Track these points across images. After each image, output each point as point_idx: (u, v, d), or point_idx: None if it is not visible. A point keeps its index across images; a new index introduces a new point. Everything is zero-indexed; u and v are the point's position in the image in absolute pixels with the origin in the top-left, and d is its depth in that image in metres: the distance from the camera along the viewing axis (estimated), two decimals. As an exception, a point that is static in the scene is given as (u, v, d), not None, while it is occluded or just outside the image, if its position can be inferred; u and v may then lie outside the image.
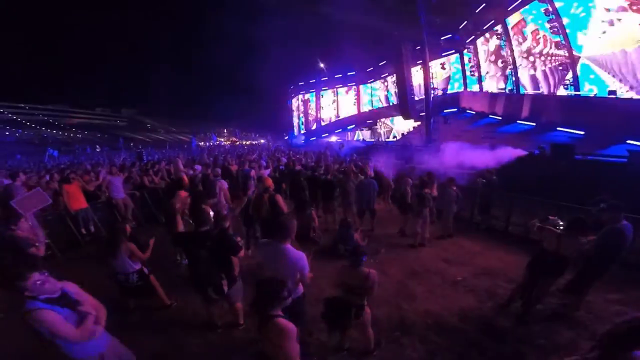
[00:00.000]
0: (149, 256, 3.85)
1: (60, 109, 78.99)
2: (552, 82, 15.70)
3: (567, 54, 14.31)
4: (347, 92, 37.06)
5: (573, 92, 14.26)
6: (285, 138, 42.68)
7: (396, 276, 4.92)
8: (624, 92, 12.16)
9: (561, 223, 3.56)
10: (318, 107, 40.14)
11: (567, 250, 3.39)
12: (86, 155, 36.66)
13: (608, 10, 12.08)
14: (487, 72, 21.06)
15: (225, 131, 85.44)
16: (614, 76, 12.56)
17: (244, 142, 59.64)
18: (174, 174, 8.81)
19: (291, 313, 3.04)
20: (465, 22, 20.76)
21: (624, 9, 11.48)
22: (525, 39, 16.99)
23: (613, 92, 12.16)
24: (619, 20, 11.76)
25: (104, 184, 7.32)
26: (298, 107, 44.22)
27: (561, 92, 15.06)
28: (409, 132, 24.39)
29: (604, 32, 12.54)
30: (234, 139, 74.93)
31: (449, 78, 25.19)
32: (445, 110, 22.86)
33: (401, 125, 26.39)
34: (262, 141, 58.16)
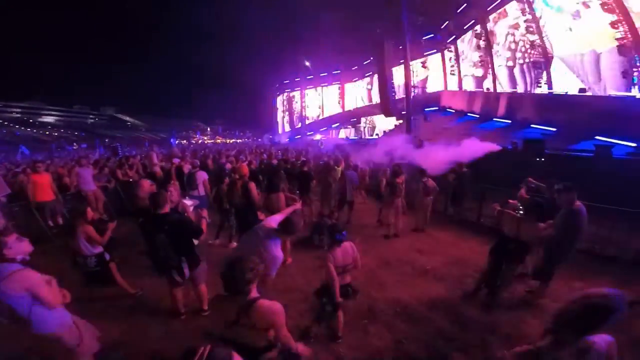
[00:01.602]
0: (110, 244, 3.78)
1: (35, 106, 75.86)
2: (528, 81, 16.22)
3: (542, 53, 14.80)
4: (331, 90, 37.18)
5: (547, 90, 14.76)
6: (270, 136, 42.40)
7: (368, 266, 4.93)
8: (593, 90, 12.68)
9: (521, 207, 3.64)
10: (303, 106, 40.09)
11: (527, 236, 3.47)
12: (61, 153, 35.34)
13: (579, 10, 12.55)
14: (467, 71, 21.54)
15: (208, 129, 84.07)
16: (577, 76, 13.10)
17: (228, 140, 58.88)
18: (149, 167, 8.65)
19: None
20: (447, 22, 21.16)
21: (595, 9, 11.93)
22: (503, 39, 17.47)
23: (583, 90, 12.66)
24: (593, 19, 12.22)
25: (72, 175, 7.10)
26: (283, 105, 44.04)
27: (535, 90, 15.57)
28: (390, 130, 24.66)
29: (570, 30, 13.05)
30: (218, 137, 73.93)
31: (429, 77, 25.63)
32: (426, 109, 23.22)
33: (383, 124, 26.67)
34: (247, 139, 57.58)
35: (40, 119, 75.11)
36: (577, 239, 3.57)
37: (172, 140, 40.29)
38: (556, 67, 14.36)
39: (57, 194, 6.74)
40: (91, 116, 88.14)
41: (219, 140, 63.62)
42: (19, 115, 72.08)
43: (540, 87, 15.08)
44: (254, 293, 1.91)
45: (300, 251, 5.29)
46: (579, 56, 12.93)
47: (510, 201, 3.81)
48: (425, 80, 25.78)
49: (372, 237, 6.30)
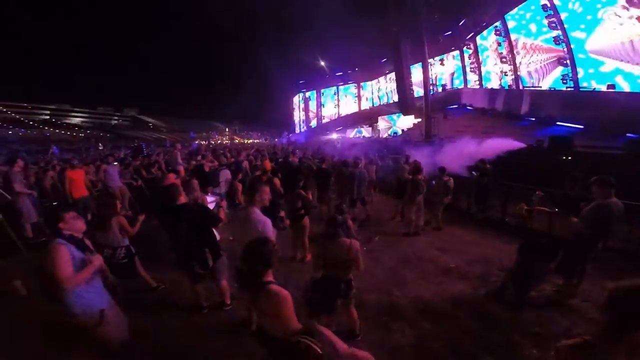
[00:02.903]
0: (138, 238, 3.88)
1: (62, 108, 79.39)
2: (550, 78, 15.65)
3: (565, 49, 14.25)
4: (348, 89, 37.08)
5: (572, 87, 14.20)
6: (288, 135, 42.69)
7: (388, 263, 4.90)
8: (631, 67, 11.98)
9: (540, 194, 3.57)
10: (319, 105, 40.21)
11: (559, 230, 3.34)
12: (89, 153, 36.78)
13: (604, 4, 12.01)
14: (489, 68, 20.98)
15: (226, 130, 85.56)
16: (621, 60, 12.41)
17: (245, 141, 59.72)
18: (172, 165, 8.88)
19: None
20: (465, 19, 20.71)
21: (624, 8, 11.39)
22: (522, 34, 16.94)
23: (612, 86, 12.10)
24: (619, 14, 11.67)
25: (100, 172, 7.39)
26: (299, 105, 44.30)
27: (560, 86, 14.99)
28: (409, 129, 24.36)
29: (602, 26, 12.47)
30: (235, 137, 75.09)
31: (451, 74, 25.15)
32: (446, 107, 22.81)
33: (402, 122, 26.34)
34: (264, 139, 58.22)
35: (67, 121, 78.51)
36: (601, 235, 3.40)
37: (193, 141, 41.18)
38: (583, 63, 13.78)
39: (91, 190, 7.03)
40: (115, 117, 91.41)
41: (236, 140, 64.58)
42: (47, 117, 75.62)
43: (566, 82, 14.50)
44: (269, 277, 1.88)
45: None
46: (619, 44, 12.25)
47: (538, 192, 3.71)
48: (448, 77, 25.28)
49: (392, 234, 6.22)
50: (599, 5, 12.49)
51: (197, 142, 45.17)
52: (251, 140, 60.38)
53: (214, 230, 3.51)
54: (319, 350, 0.90)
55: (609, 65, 12.85)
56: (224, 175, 6.46)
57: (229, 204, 5.86)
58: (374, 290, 3.99)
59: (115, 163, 8.12)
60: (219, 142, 60.60)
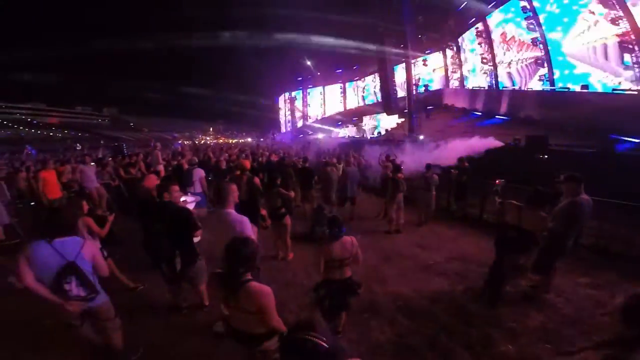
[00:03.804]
0: (112, 240, 3.80)
1: (38, 107, 76.35)
2: (527, 78, 16.14)
3: (542, 50, 14.73)
4: (333, 89, 37.22)
5: (548, 87, 14.69)
6: (272, 136, 42.47)
7: (369, 261, 4.89)
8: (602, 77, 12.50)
9: (499, 183, 3.87)
10: (305, 105, 40.19)
11: (529, 224, 3.41)
12: (65, 153, 35.56)
13: (582, 4, 12.44)
14: (471, 68, 21.46)
15: (211, 129, 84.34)
16: (595, 67, 12.90)
17: (230, 140, 58.93)
18: (153, 165, 8.69)
19: None
20: (448, 20, 21.12)
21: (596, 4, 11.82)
22: (502, 35, 17.38)
23: (585, 87, 12.58)
24: (592, 13, 12.11)
25: (76, 173, 7.16)
26: (285, 105, 44.15)
27: (537, 87, 15.47)
28: (392, 128, 24.66)
29: (577, 26, 12.94)
30: (220, 137, 74.10)
31: (435, 75, 25.58)
32: (429, 107, 23.19)
33: (386, 122, 26.64)
34: (249, 139, 57.67)
35: (44, 120, 75.60)
36: (573, 232, 3.50)
37: (175, 141, 40.40)
38: (559, 64, 14.27)
39: (64, 192, 6.80)
40: (94, 117, 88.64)
41: (221, 140, 63.71)
42: (23, 116, 72.59)
43: (543, 83, 14.99)
44: (248, 276, 1.88)
45: (301, 246, 5.28)
46: (592, 49, 12.74)
47: (497, 182, 3.92)
48: (429, 78, 25.67)
49: (374, 232, 6.30)
50: (575, 7, 12.94)
51: (179, 141, 44.33)
52: (236, 140, 59.68)
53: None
54: (326, 345, 0.90)
55: (581, 68, 13.38)
56: (197, 174, 6.36)
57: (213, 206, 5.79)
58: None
59: (92, 163, 7.87)
60: (202, 141, 59.68)
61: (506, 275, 3.65)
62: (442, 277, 4.41)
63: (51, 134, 70.90)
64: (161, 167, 8.56)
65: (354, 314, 3.46)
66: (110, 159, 11.68)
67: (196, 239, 3.52)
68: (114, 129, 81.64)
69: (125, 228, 5.25)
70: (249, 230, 2.77)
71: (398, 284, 4.22)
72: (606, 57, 12.23)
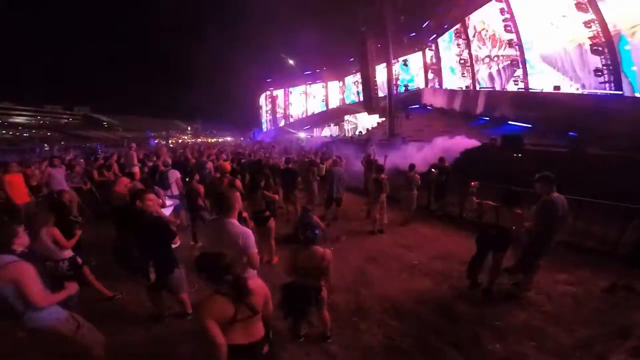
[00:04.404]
0: (93, 245, 3.59)
1: (4, 106, 71.85)
2: (504, 79, 16.68)
3: (518, 52, 15.25)
4: (315, 88, 37.19)
5: (523, 88, 15.23)
6: (251, 134, 41.95)
7: (355, 262, 4.94)
8: (567, 88, 13.16)
9: (475, 185, 4.00)
10: (286, 104, 39.94)
11: (506, 222, 3.58)
12: (34, 154, 33.65)
13: (557, 7, 12.94)
14: (449, 69, 21.96)
15: (189, 129, 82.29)
16: (557, 70, 13.56)
17: (209, 140, 57.72)
18: (127, 167, 8.34)
19: None
20: (428, 21, 21.51)
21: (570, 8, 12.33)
22: (481, 37, 17.87)
23: (557, 88, 13.13)
24: (564, 17, 12.63)
25: (44, 176, 6.72)
26: (266, 103, 43.71)
27: (512, 88, 16.01)
28: (373, 128, 24.88)
29: (552, 29, 13.47)
30: (199, 136, 72.45)
31: (415, 75, 26.01)
32: (408, 107, 23.55)
33: (366, 121, 26.87)
34: (229, 138, 56.68)
35: (10, 120, 71.31)
36: (553, 229, 3.60)
37: (150, 141, 39.11)
38: (533, 66, 14.83)
39: (31, 196, 6.39)
40: (64, 116, 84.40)
41: (199, 140, 62.32)
42: (-14, 116, 68.19)
43: (517, 84, 15.53)
44: (218, 289, 1.84)
45: (285, 249, 5.19)
46: (562, 52, 13.28)
47: (472, 184, 4.04)
48: (410, 78, 26.05)
49: (358, 233, 6.31)
50: (548, 10, 13.44)
51: (155, 141, 42.98)
52: (215, 139, 58.52)
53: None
54: None
55: (550, 74, 14.01)
56: (173, 175, 6.13)
57: (189, 208, 5.60)
58: (342, 291, 3.99)
59: (62, 166, 7.43)
60: (179, 141, 58.12)
61: (495, 274, 3.75)
62: (426, 276, 4.45)
63: (17, 134, 67.03)
64: (136, 169, 8.22)
65: (343, 317, 3.45)
66: (82, 160, 11.12)
67: (175, 245, 3.38)
68: (86, 128, 78.14)
69: (100, 234, 4.99)
70: (253, 244, 2.55)
71: (384, 285, 4.22)
72: (573, 63, 12.85)
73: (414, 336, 3.15)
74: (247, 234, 2.54)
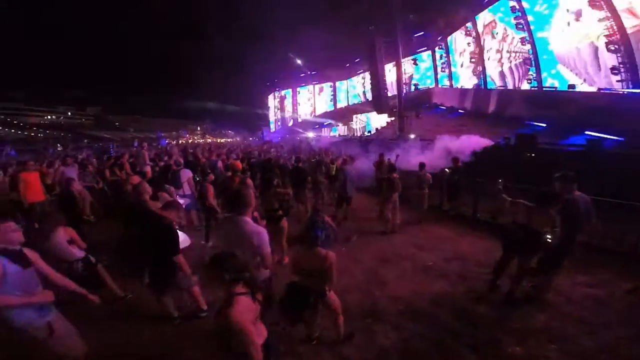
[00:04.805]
0: (103, 244, 3.61)
1: (16, 106, 73.53)
2: (516, 77, 16.36)
3: (530, 50, 14.94)
4: (323, 89, 37.16)
5: (536, 87, 14.91)
6: (262, 134, 42.10)
7: (367, 263, 4.86)
8: (579, 85, 12.84)
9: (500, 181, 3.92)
10: (295, 104, 40.01)
11: (539, 224, 3.44)
12: (48, 154, 34.36)
13: (567, 10, 12.66)
14: (460, 68, 21.66)
15: (198, 129, 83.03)
16: (571, 70, 13.23)
17: (218, 140, 58.14)
18: (139, 166, 8.40)
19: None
20: (437, 19, 21.24)
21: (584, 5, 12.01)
22: (492, 36, 17.57)
23: (572, 86, 12.81)
24: (579, 18, 12.33)
25: (56, 174, 6.81)
26: (274, 104, 43.86)
27: (525, 86, 15.68)
28: (382, 127, 24.69)
29: (564, 30, 13.16)
30: (208, 136, 73.03)
31: (425, 74, 25.74)
32: (418, 106, 23.30)
33: (376, 121, 26.69)
34: (238, 138, 57.00)
35: (24, 120, 73.04)
36: (574, 229, 3.50)
37: (161, 141, 39.54)
38: (546, 64, 14.51)
39: (46, 195, 6.48)
40: (77, 116, 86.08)
41: (209, 140, 62.81)
42: (1, 116, 69.93)
43: (530, 83, 15.21)
44: (239, 289, 1.78)
45: (295, 249, 5.15)
46: (575, 50, 12.97)
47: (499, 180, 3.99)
48: (419, 77, 25.80)
49: (370, 233, 6.21)
50: (561, 7, 13.14)
51: (166, 140, 43.47)
52: (224, 140, 58.93)
53: (180, 235, 3.28)
54: None
55: (563, 72, 13.69)
56: (185, 175, 6.15)
57: (201, 208, 5.60)
58: (354, 291, 3.92)
59: (75, 165, 7.53)
60: (190, 141, 58.71)
61: (521, 276, 3.62)
62: (442, 278, 4.35)
63: (32, 134, 68.63)
64: (148, 168, 8.28)
65: (357, 319, 3.38)
66: (94, 159, 11.27)
67: (186, 244, 3.36)
68: (99, 129, 79.56)
69: (112, 233, 5.01)
70: (267, 244, 2.51)
71: (398, 286, 4.13)
72: (587, 62, 12.53)
73: (430, 338, 3.06)
74: (262, 233, 2.50)
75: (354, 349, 2.94)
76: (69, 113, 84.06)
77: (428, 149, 10.48)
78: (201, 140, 58.77)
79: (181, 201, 5.29)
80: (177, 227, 3.32)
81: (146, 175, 6.97)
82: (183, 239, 3.41)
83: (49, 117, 79.31)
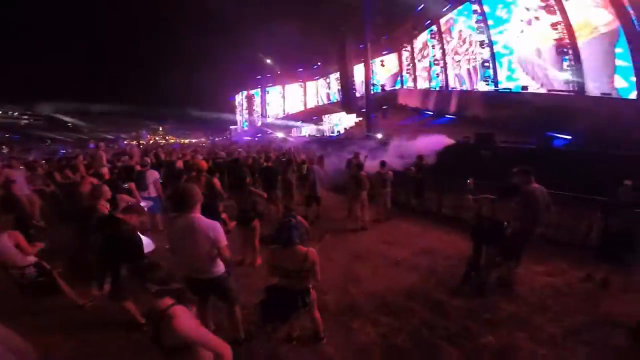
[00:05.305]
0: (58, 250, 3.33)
1: (-45, 107, 66.04)
2: (474, 79, 17.24)
3: (489, 52, 15.80)
4: (293, 89, 37.03)
5: (493, 88, 15.81)
6: (229, 135, 41.10)
7: (340, 260, 4.88)
8: (535, 89, 13.77)
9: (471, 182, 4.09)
10: (263, 104, 39.44)
11: (501, 215, 3.68)
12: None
13: (528, 9, 13.49)
14: (422, 70, 22.47)
15: (160, 129, 79.20)
16: (527, 73, 14.16)
17: (182, 140, 55.85)
18: (95, 167, 7.83)
19: (215, 293, 2.78)
20: (405, 22, 21.84)
21: (541, 8, 12.86)
22: (454, 38, 18.36)
23: (525, 88, 13.73)
24: (537, 19, 13.17)
25: (1, 178, 6.16)
26: (242, 103, 42.97)
27: (483, 88, 16.56)
28: (351, 127, 25.03)
29: (522, 32, 14.05)
30: (170, 137, 69.88)
31: (391, 75, 26.39)
32: (384, 106, 23.86)
33: (344, 121, 26.99)
34: (202, 139, 55.11)
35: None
36: (534, 218, 3.73)
37: (121, 142, 37.38)
38: (502, 66, 15.43)
39: None
40: (25, 117, 78.88)
41: (172, 140, 60.15)
42: None
43: (488, 84, 16.07)
44: (168, 300, 1.68)
45: (267, 250, 5.06)
46: (531, 54, 13.85)
47: (468, 181, 4.15)
48: (388, 77, 26.42)
49: (341, 231, 6.27)
50: (518, 12, 13.99)
51: (125, 141, 41.13)
52: (188, 140, 56.73)
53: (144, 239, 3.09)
54: None
55: (518, 75, 14.66)
56: (151, 176, 5.84)
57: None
58: (331, 290, 3.91)
59: (21, 167, 6.86)
60: (151, 142, 55.87)
61: (489, 266, 3.79)
62: (412, 272, 4.46)
63: (-30, 135, 61.94)
64: (105, 170, 7.74)
65: (335, 317, 3.37)
66: (43, 162, 10.36)
67: (150, 249, 3.16)
68: (49, 129, 73.47)
69: (65, 238, 4.62)
70: (223, 236, 2.48)
71: (372, 282, 4.19)
72: (540, 65, 13.48)
73: (408, 332, 3.12)
74: (216, 226, 2.47)
75: (335, 347, 2.93)
76: (15, 113, 76.85)
77: (393, 148, 10.72)
78: (163, 141, 56.09)
79: (144, 203, 5.00)
80: (139, 231, 3.12)
81: (103, 177, 6.52)
82: (147, 243, 3.20)
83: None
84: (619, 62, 10.47)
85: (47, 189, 6.74)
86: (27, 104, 77.34)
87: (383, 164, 6.89)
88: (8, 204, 4.92)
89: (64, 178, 7.17)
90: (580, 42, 11.66)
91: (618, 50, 10.36)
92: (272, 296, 2.68)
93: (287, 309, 2.66)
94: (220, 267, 2.62)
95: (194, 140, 53.75)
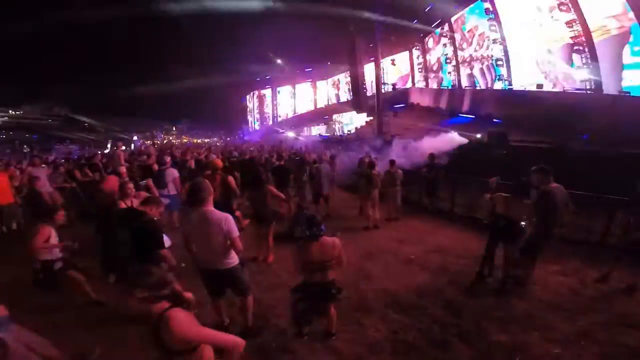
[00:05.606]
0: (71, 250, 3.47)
1: (-25, 107, 68.58)
2: (488, 78, 17.00)
3: (503, 50, 15.56)
4: (303, 88, 37.14)
5: (507, 87, 15.56)
6: (242, 134, 41.50)
7: (352, 258, 4.81)
8: (549, 87, 13.52)
9: (494, 180, 4.00)
10: (274, 104, 39.70)
11: (515, 213, 3.63)
12: (11, 156, 32.29)
13: (539, 10, 13.26)
14: (433, 69, 22.24)
15: (174, 129, 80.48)
16: (541, 71, 13.91)
17: (195, 140, 56.63)
18: (113, 167, 8.07)
19: (229, 284, 2.86)
20: (415, 20, 21.67)
21: (553, 8, 12.63)
22: (466, 37, 18.15)
23: (540, 86, 13.47)
24: (552, 18, 12.93)
25: (24, 176, 6.44)
26: (253, 103, 43.36)
27: (497, 86, 16.32)
28: (361, 127, 24.96)
29: (536, 29, 13.79)
30: (184, 137, 70.94)
31: (403, 74, 26.23)
32: (395, 105, 23.71)
33: (355, 120, 26.95)
34: (215, 139, 55.77)
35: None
36: (550, 218, 3.66)
37: (136, 141, 38.20)
38: (516, 64, 15.17)
39: (16, 197, 6.11)
40: (43, 117, 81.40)
41: (185, 140, 61.12)
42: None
43: (501, 82, 15.83)
44: (164, 304, 1.65)
45: (281, 247, 5.12)
46: (545, 52, 13.60)
47: (490, 180, 4.07)
48: (397, 77, 26.28)
49: (353, 229, 6.30)
50: (532, 10, 13.75)
51: (140, 141, 42.00)
52: (201, 140, 57.48)
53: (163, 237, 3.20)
54: None
55: (533, 73, 14.38)
56: (170, 174, 5.99)
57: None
58: (342, 287, 3.86)
59: (43, 166, 7.14)
60: (165, 141, 56.83)
61: (509, 265, 3.79)
62: (424, 270, 4.47)
63: (-5, 135, 64.23)
64: (123, 169, 7.97)
65: (346, 313, 3.38)
66: (62, 160, 10.74)
67: (167, 245, 3.27)
68: (67, 129, 75.58)
69: (85, 235, 4.80)
70: (235, 228, 2.61)
71: (384, 279, 4.21)
72: (555, 63, 13.21)
73: (419, 329, 3.13)
74: (228, 218, 2.60)
75: (347, 343, 2.95)
76: (36, 114, 79.30)
77: (406, 147, 10.67)
78: (177, 141, 57.06)
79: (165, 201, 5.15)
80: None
81: (122, 175, 6.72)
82: (164, 239, 3.32)
83: (13, 117, 74.53)
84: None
85: (68, 186, 6.99)
86: (45, 104, 79.79)
87: (392, 163, 6.93)
88: (32, 200, 5.13)
89: (84, 176, 7.44)
90: (596, 40, 11.38)
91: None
92: (308, 292, 2.72)
93: (324, 301, 2.76)
94: (234, 259, 2.73)
95: (206, 140, 54.41)
